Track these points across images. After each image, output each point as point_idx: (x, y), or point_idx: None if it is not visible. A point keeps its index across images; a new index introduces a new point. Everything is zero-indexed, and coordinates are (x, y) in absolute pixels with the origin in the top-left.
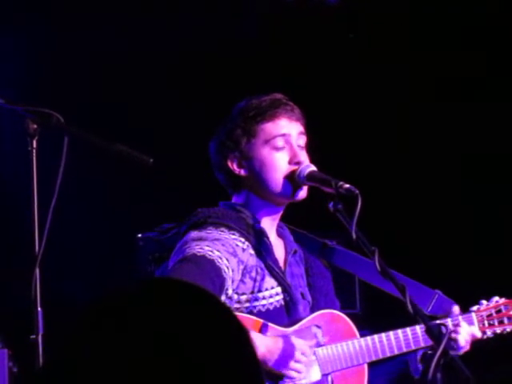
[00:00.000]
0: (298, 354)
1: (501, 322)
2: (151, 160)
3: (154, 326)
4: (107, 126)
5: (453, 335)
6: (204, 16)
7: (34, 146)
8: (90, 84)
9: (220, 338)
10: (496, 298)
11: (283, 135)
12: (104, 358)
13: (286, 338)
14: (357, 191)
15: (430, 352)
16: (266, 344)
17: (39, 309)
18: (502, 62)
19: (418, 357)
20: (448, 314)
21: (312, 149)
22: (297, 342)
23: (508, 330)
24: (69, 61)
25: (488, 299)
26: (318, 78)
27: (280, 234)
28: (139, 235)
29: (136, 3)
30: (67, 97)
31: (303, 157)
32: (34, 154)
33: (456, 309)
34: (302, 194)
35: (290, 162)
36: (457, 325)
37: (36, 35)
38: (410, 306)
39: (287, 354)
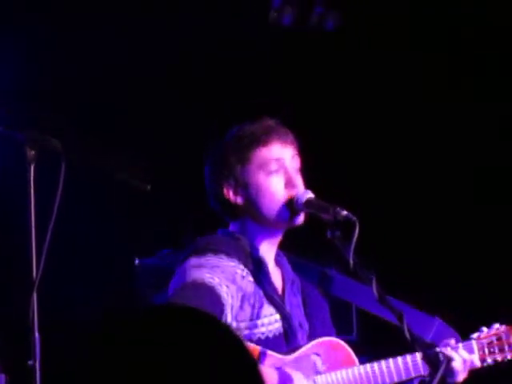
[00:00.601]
0: None
1: (501, 350)
2: (148, 187)
3: (163, 353)
4: (106, 131)
5: (451, 363)
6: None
7: (32, 171)
8: (90, 86)
9: (229, 364)
10: (496, 325)
11: (277, 160)
12: None
13: (281, 370)
14: (354, 218)
15: (427, 380)
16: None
17: (37, 334)
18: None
19: None
20: (448, 342)
21: (309, 168)
22: (294, 374)
23: (509, 357)
24: (68, 63)
25: (488, 326)
26: (315, 98)
27: (278, 263)
28: (137, 261)
29: (136, 4)
30: (66, 99)
31: (298, 180)
32: (32, 179)
33: (453, 342)
34: (300, 219)
35: (285, 187)
36: (456, 353)
37: (35, 36)
38: (407, 334)
39: None
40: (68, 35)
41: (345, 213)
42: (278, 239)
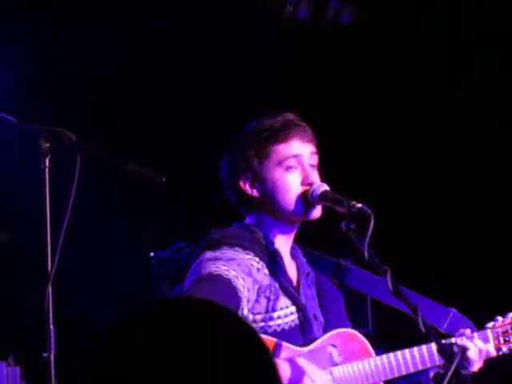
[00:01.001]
0: (308, 378)
1: None
2: (164, 179)
3: (179, 345)
4: (117, 143)
5: (466, 353)
6: (218, 34)
7: (47, 164)
8: (91, 91)
9: (243, 355)
10: (511, 314)
11: (295, 156)
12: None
13: (294, 362)
14: (369, 211)
15: (442, 371)
16: None
17: (52, 327)
18: None
19: (431, 376)
20: (463, 332)
21: (325, 166)
22: (307, 366)
23: None
24: (67, 62)
25: (503, 315)
26: (328, 95)
27: (293, 256)
28: (152, 254)
29: (136, 9)
30: (68, 104)
31: (315, 177)
32: (47, 173)
33: (469, 331)
34: (316, 213)
35: (302, 183)
36: (471, 343)
37: (36, 41)
38: (422, 326)
39: (297, 378)
40: (66, 35)
41: (359, 205)
42: (293, 233)
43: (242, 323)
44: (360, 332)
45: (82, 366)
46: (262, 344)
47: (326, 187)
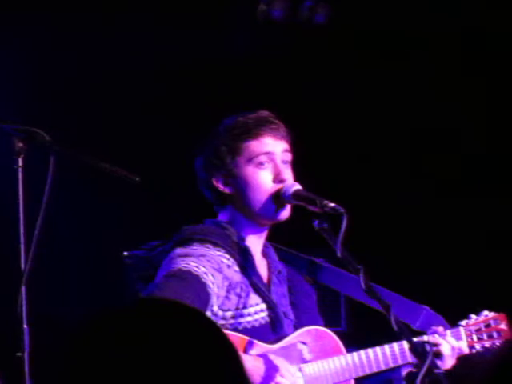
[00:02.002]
0: (279, 375)
1: (490, 337)
2: (138, 179)
3: (143, 346)
4: (91, 143)
5: (439, 351)
6: (192, 30)
7: (20, 164)
8: (64, 90)
9: (209, 354)
10: (485, 312)
11: (267, 153)
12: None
13: (266, 357)
14: (342, 210)
15: (414, 370)
16: (246, 364)
17: (25, 326)
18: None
19: (403, 375)
20: (435, 330)
21: (298, 165)
22: (279, 361)
23: (497, 344)
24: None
25: (477, 313)
26: (305, 95)
27: (264, 254)
28: (126, 253)
29: (123, 15)
30: (42, 104)
31: (287, 174)
32: (21, 172)
33: (441, 329)
34: (285, 213)
35: (274, 180)
36: (444, 340)
37: (22, 47)
38: (394, 324)
39: (269, 373)
40: (39, 34)
41: (332, 205)
42: (264, 232)
43: (207, 322)
44: (332, 330)
45: (55, 365)
46: (228, 342)
47: (298, 186)
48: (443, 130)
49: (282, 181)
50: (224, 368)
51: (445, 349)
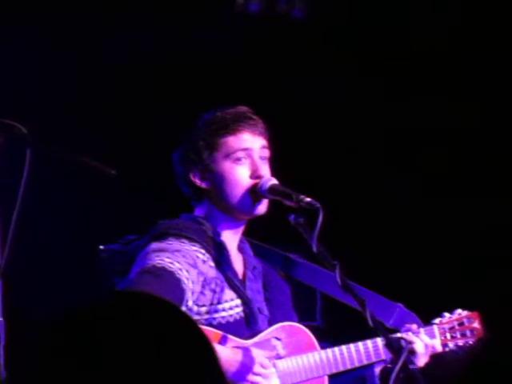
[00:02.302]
0: (256, 367)
1: (463, 335)
2: (114, 172)
3: (118, 340)
4: (68, 136)
5: (413, 348)
6: (169, 27)
7: None
8: (40, 84)
9: (183, 347)
10: (459, 311)
11: (245, 149)
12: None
13: (245, 349)
14: (318, 205)
15: (389, 366)
16: (224, 355)
17: (1, 319)
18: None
19: (377, 371)
20: (409, 327)
21: (276, 161)
22: (256, 354)
23: (470, 342)
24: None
25: (451, 311)
26: (282, 90)
27: (240, 249)
28: (102, 247)
29: (98, 14)
30: (18, 97)
31: (264, 170)
32: None
33: (415, 326)
34: (261, 208)
35: (251, 176)
36: (417, 338)
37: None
38: (370, 321)
39: (246, 366)
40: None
41: (308, 199)
42: (241, 227)
43: (182, 316)
44: (308, 324)
45: (30, 358)
46: (203, 336)
47: (274, 181)
48: (425, 127)
49: (259, 177)
50: (198, 360)
51: (418, 347)
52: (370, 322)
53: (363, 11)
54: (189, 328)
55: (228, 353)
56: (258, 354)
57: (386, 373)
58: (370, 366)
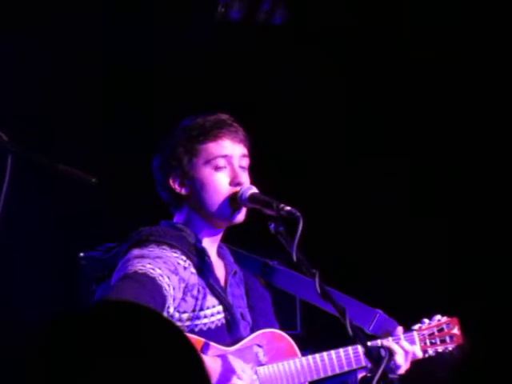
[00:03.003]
0: (236, 376)
1: (443, 341)
2: (94, 180)
3: (102, 349)
4: (48, 144)
5: (393, 355)
6: (150, 29)
7: None
8: (20, 90)
9: (169, 355)
10: (438, 317)
11: (225, 156)
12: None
13: (224, 358)
14: (298, 213)
15: (368, 375)
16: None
17: None
18: None
19: (358, 378)
20: (390, 333)
21: (255, 169)
22: (236, 362)
23: (450, 348)
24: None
25: (430, 317)
26: (263, 98)
27: (220, 255)
28: (81, 254)
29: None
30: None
31: (244, 178)
32: None
33: (400, 330)
34: (240, 216)
35: (230, 183)
36: (397, 344)
37: None
38: (349, 329)
39: (226, 374)
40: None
41: (288, 208)
42: (220, 234)
43: (167, 324)
44: (288, 333)
45: (8, 366)
46: (188, 343)
47: (254, 189)
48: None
49: (238, 184)
50: (184, 367)
51: (399, 353)
52: (350, 331)
53: (341, 15)
54: (174, 336)
55: (208, 361)
56: (238, 363)
57: (365, 382)
58: (352, 372)
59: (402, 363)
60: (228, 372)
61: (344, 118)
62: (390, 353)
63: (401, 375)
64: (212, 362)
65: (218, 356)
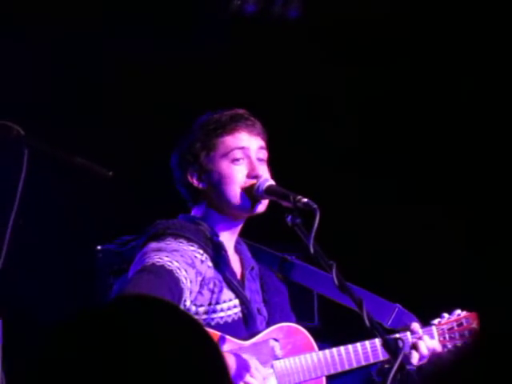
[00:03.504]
0: (249, 374)
1: (462, 336)
2: (110, 173)
3: (123, 344)
4: (64, 137)
5: (412, 350)
6: (162, 28)
7: None
8: (36, 85)
9: (190, 349)
10: (458, 311)
11: (242, 148)
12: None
13: (238, 355)
14: (315, 205)
15: (386, 366)
16: None
17: None
18: None
19: (375, 371)
20: (408, 328)
21: (272, 163)
22: (250, 360)
23: (468, 343)
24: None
25: (450, 312)
26: (278, 91)
27: (237, 250)
28: (98, 247)
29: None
30: (14, 98)
31: (262, 170)
32: None
33: (416, 325)
34: (261, 207)
35: (248, 176)
36: (418, 338)
37: None
38: (367, 321)
39: (239, 371)
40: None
41: (305, 200)
42: (238, 227)
43: (188, 318)
44: (306, 326)
45: (29, 358)
46: (208, 337)
47: (271, 182)
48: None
49: (256, 177)
50: (204, 361)
51: (420, 347)
52: (367, 323)
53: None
54: (194, 330)
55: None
56: (252, 361)
57: (383, 373)
58: (373, 366)
59: (421, 357)
60: (241, 369)
61: (357, 109)
62: (411, 347)
63: (418, 367)
64: (227, 358)
65: (233, 353)
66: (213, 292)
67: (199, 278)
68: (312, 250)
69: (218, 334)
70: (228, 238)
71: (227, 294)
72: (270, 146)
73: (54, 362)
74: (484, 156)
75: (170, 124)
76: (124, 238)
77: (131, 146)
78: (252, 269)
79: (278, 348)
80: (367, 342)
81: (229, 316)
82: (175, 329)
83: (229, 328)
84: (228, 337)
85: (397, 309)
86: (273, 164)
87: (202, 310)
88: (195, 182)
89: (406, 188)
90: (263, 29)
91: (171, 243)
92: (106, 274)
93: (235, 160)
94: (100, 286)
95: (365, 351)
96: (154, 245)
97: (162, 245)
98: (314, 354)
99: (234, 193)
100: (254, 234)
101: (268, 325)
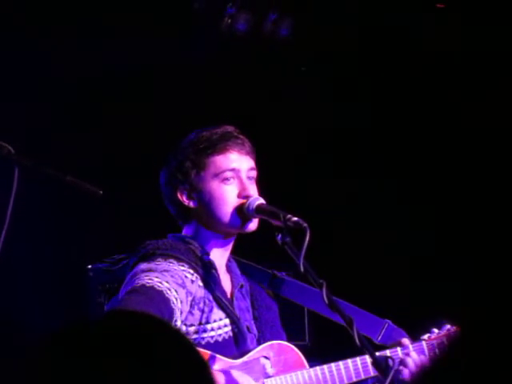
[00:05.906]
0: None
1: None
2: (101, 192)
3: (112, 360)
4: (55, 156)
5: (401, 366)
6: (154, 44)
7: None
8: (28, 102)
9: (179, 366)
10: (447, 326)
11: (233, 169)
12: None
13: (228, 373)
14: (305, 224)
15: None
16: None
17: None
18: None
19: None
20: (398, 343)
21: (260, 180)
22: (240, 378)
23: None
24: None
25: (439, 327)
26: (268, 110)
27: (228, 268)
28: (89, 266)
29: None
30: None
31: (252, 190)
32: None
33: (406, 341)
34: (252, 225)
35: (239, 196)
36: (407, 355)
37: None
38: (357, 339)
39: None
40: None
41: (295, 219)
42: (229, 245)
43: (176, 334)
44: (296, 344)
45: (16, 373)
46: (197, 354)
47: (261, 200)
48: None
49: (246, 197)
50: (194, 378)
51: (408, 363)
52: (357, 341)
53: (348, 27)
54: (184, 347)
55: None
56: (244, 379)
57: None
58: (363, 382)
59: (411, 373)
60: None
61: (348, 130)
62: (400, 363)
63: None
64: (217, 377)
65: (223, 371)
66: (203, 311)
67: (190, 298)
68: (302, 269)
69: (209, 352)
70: (219, 256)
71: (217, 313)
72: (258, 161)
73: (42, 376)
74: (470, 161)
75: (161, 141)
76: (116, 257)
77: (122, 163)
78: (241, 287)
79: (268, 366)
80: (358, 359)
81: (219, 335)
82: (165, 346)
83: (219, 347)
84: (218, 356)
85: (387, 324)
86: (264, 181)
87: (192, 329)
88: (185, 200)
89: (395, 211)
90: (253, 47)
91: (161, 263)
92: (97, 293)
93: (226, 179)
94: (90, 304)
95: (356, 367)
96: (144, 265)
97: (152, 265)
98: (305, 372)
99: (225, 212)
100: (245, 252)
101: (259, 342)
